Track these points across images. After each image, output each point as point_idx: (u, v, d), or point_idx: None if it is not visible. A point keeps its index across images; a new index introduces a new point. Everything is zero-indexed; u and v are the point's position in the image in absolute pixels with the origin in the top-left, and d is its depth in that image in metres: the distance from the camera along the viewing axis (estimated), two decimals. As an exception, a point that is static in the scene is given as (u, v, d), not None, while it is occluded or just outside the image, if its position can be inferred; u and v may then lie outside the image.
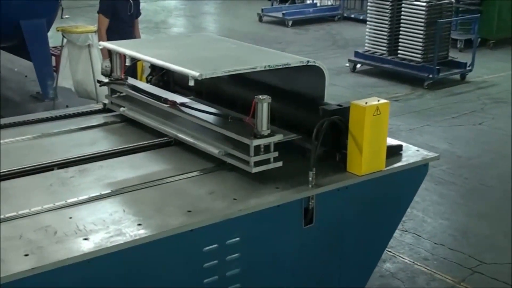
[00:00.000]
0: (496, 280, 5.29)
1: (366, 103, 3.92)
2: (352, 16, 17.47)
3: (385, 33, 11.74)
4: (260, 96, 3.76)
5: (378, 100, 3.98)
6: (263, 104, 3.75)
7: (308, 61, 4.19)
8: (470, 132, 8.84)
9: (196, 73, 3.75)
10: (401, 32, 11.51)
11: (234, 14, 18.19)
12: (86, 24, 9.76)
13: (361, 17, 16.49)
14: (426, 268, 5.45)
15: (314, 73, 4.25)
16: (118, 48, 4.65)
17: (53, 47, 9.96)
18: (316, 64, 4.20)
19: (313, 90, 4.36)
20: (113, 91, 4.95)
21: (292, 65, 4.14)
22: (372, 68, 11.94)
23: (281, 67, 4.10)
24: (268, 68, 4.04)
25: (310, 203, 3.84)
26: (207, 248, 3.50)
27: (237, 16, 17.93)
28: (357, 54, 12.21)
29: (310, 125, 4.00)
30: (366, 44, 12.14)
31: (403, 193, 4.44)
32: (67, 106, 8.32)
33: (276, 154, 3.87)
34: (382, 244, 4.62)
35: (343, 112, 4.01)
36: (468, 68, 11.67)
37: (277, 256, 3.86)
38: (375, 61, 11.92)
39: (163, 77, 5.13)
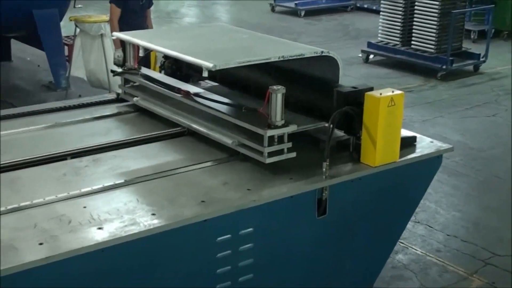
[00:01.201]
0: (508, 272, 5.27)
1: (380, 94, 3.90)
2: (365, 6, 17.37)
3: (399, 24, 11.66)
4: (275, 87, 3.75)
5: (393, 91, 3.96)
6: (277, 94, 3.74)
7: (322, 52, 4.17)
8: (483, 123, 8.78)
9: (210, 64, 3.76)
10: (414, 23, 11.43)
11: (246, 4, 18.12)
12: (98, 13, 9.75)
13: (374, 7, 16.41)
14: (438, 260, 5.43)
15: (328, 63, 4.24)
16: (131, 38, 4.65)
17: (66, 37, 9.96)
18: (330, 55, 4.18)
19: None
20: (126, 81, 4.95)
21: (306, 56, 4.12)
22: (385, 59, 11.88)
23: (295, 57, 4.08)
24: (282, 59, 4.03)
25: (324, 194, 3.83)
26: (220, 238, 3.51)
27: (250, 6, 17.86)
28: (370, 44, 12.14)
29: (324, 110, 4.01)
30: (379, 35, 12.07)
31: (417, 185, 4.43)
32: (79, 96, 8.35)
33: (290, 144, 3.86)
34: (395, 235, 4.62)
35: (358, 94, 3.99)
36: (481, 59, 11.58)
37: (290, 246, 3.86)
38: (388, 52, 11.85)
39: (176, 61, 5.11)
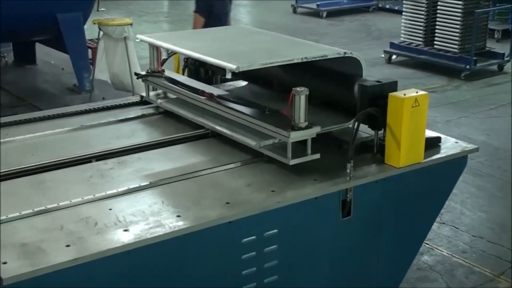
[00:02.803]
0: (535, 274, 5.23)
1: (404, 94, 3.89)
2: (387, 6, 17.32)
3: (421, 24, 11.62)
4: (298, 88, 3.75)
5: (417, 92, 3.94)
6: (301, 96, 3.74)
7: (345, 53, 4.16)
8: (507, 123, 8.69)
9: (233, 66, 3.78)
10: (437, 23, 11.38)
11: (268, 6, 18.15)
12: (121, 16, 9.82)
13: (396, 8, 16.35)
14: (464, 261, 5.40)
15: (351, 64, 4.23)
16: (155, 41, 4.67)
17: (89, 40, 10.05)
18: (354, 56, 4.17)
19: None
20: (150, 84, 4.97)
21: (329, 57, 4.12)
22: (407, 59, 11.83)
23: (318, 59, 4.08)
24: (305, 60, 4.03)
25: (348, 195, 3.82)
26: (245, 239, 3.51)
27: (271, 8, 17.88)
28: (392, 45, 12.10)
29: (348, 105, 4.06)
30: (402, 35, 12.03)
31: (442, 186, 4.40)
32: (103, 98, 8.42)
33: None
34: (420, 236, 4.59)
35: (382, 88, 3.98)
36: (506, 59, 11.50)
37: (314, 248, 3.86)
38: (411, 52, 11.80)
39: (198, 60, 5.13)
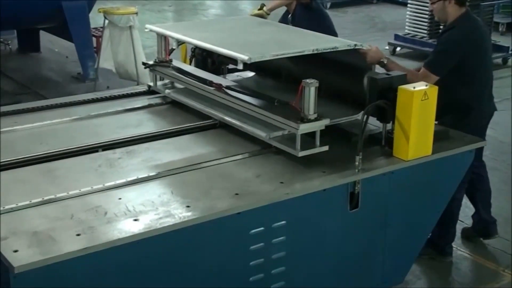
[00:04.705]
0: (541, 267, 5.24)
1: (414, 87, 3.89)
2: (391, -2, 17.26)
3: (426, 16, 11.58)
4: (308, 80, 3.75)
5: (426, 85, 3.94)
6: (310, 88, 3.74)
7: (355, 45, 4.16)
8: (512, 117, 8.69)
9: (245, 57, 3.79)
10: (442, 15, 11.34)
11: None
12: (126, 5, 9.79)
13: (401, 0, 16.30)
14: (469, 254, 5.41)
15: (360, 56, 4.23)
16: (164, 31, 4.67)
17: (94, 28, 10.03)
18: (364, 48, 4.17)
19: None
20: (157, 73, 4.97)
21: (339, 49, 4.12)
22: (412, 51, 11.80)
23: (329, 50, 4.08)
24: (316, 52, 4.03)
25: (356, 188, 3.83)
26: (253, 230, 3.52)
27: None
28: (397, 37, 12.06)
29: (357, 97, 4.08)
30: (407, 27, 12.00)
31: (449, 179, 4.40)
32: (108, 87, 8.41)
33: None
34: (426, 229, 4.60)
35: (391, 81, 3.98)
36: (510, 52, 11.47)
37: (322, 239, 3.87)
38: (415, 44, 11.77)
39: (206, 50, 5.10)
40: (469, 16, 4.89)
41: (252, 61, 3.81)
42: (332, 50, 4.09)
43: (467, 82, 4.83)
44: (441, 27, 11.23)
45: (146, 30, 4.87)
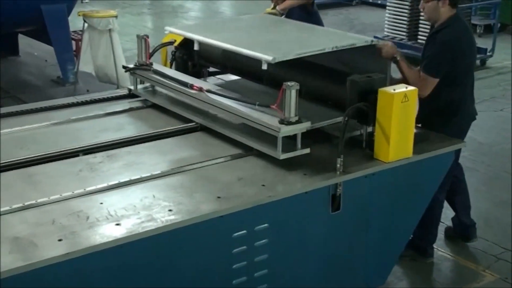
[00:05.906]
0: (520, 267, 5.28)
1: (394, 90, 3.91)
2: (370, 0, 17.34)
3: (405, 18, 11.64)
4: (289, 83, 3.75)
5: (406, 87, 3.97)
6: (291, 91, 3.75)
7: (372, 41, 4.21)
8: (491, 118, 8.76)
9: (269, 57, 3.83)
10: (421, 17, 11.41)
11: (252, -1, 18.09)
12: (106, 8, 9.75)
13: (379, 1, 16.37)
14: (449, 255, 5.44)
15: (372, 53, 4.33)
16: (185, 33, 4.67)
17: (73, 32, 9.97)
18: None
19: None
20: (138, 77, 4.95)
21: (357, 45, 4.19)
22: (391, 53, 11.85)
23: (347, 47, 4.15)
24: (335, 49, 4.10)
25: (338, 190, 3.85)
26: (236, 234, 3.53)
27: (254, 0, 17.82)
28: (376, 39, 12.11)
29: (340, 99, 4.15)
30: (386, 29, 12.05)
31: (429, 180, 4.43)
32: (88, 91, 8.37)
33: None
34: (408, 230, 4.63)
35: (372, 83, 4.00)
36: (488, 54, 11.57)
37: (304, 242, 3.88)
38: (394, 46, 11.82)
39: (187, 52, 5.10)
40: (459, 17, 4.93)
41: (276, 61, 3.86)
42: (350, 46, 4.16)
43: (457, 83, 4.86)
44: (420, 29, 11.36)
45: (166, 32, 4.85)
